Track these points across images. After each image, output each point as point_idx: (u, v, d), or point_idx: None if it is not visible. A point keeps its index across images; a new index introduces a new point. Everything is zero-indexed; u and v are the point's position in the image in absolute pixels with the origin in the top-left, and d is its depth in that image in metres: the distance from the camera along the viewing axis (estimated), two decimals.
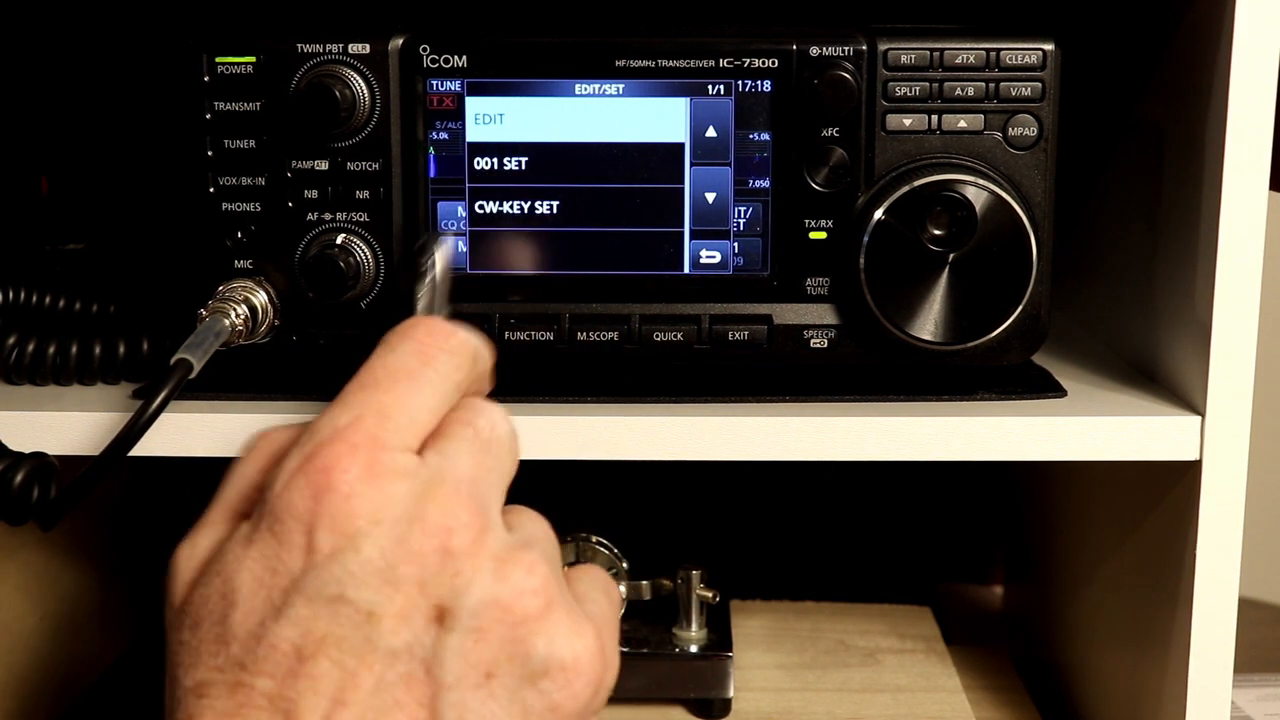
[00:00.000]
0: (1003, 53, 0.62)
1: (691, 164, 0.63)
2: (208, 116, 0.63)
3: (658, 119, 0.63)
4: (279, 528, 0.44)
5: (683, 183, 0.63)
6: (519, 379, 0.65)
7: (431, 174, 0.63)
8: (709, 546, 0.87)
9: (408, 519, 0.44)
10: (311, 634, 0.43)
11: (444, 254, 0.56)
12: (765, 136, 0.63)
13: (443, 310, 0.55)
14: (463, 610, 0.44)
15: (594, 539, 0.80)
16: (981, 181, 0.61)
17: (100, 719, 0.86)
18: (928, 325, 0.62)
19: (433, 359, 0.48)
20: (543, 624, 0.45)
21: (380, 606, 0.43)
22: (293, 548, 0.44)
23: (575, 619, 0.46)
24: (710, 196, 0.63)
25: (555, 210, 0.64)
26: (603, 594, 0.51)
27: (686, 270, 0.64)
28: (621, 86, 0.63)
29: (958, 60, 0.62)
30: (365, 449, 0.45)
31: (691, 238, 0.64)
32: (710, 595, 0.81)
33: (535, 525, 0.49)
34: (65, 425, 0.62)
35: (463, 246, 0.64)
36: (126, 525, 0.95)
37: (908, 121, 0.63)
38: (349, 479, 0.44)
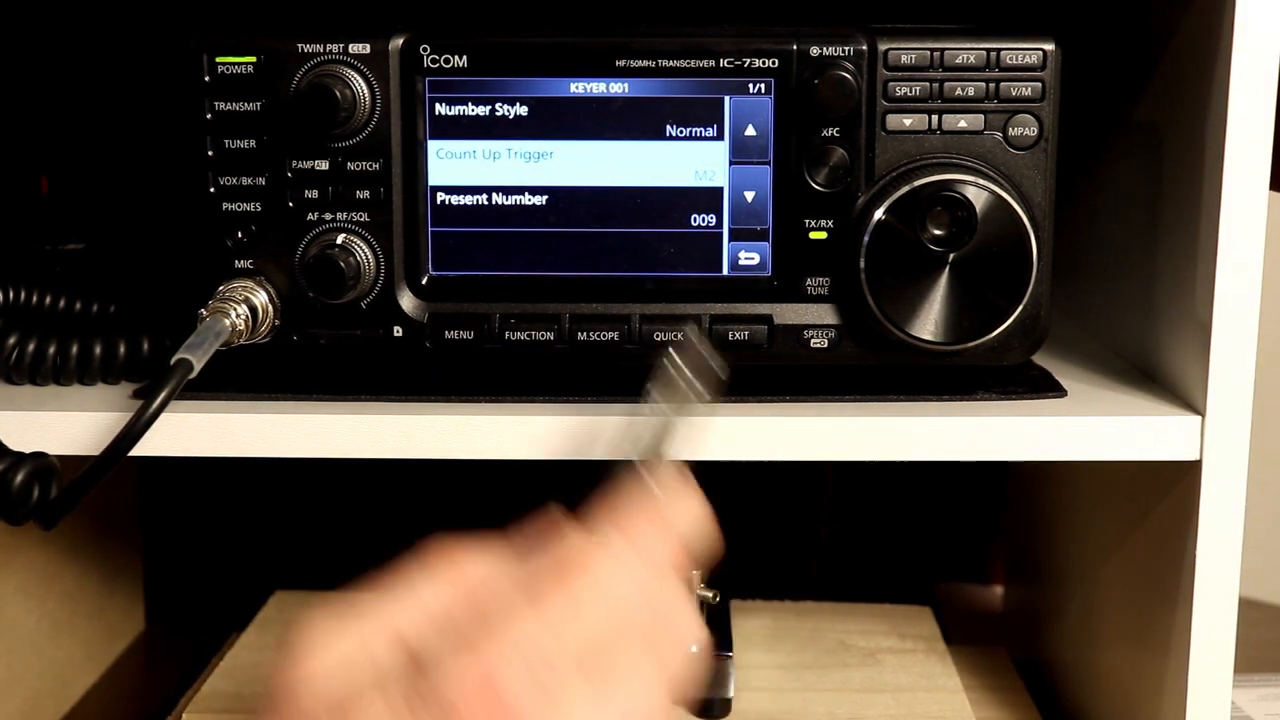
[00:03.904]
0: (1003, 53, 0.62)
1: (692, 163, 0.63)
2: (208, 116, 0.63)
3: (658, 119, 0.63)
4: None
5: (683, 183, 0.63)
6: (519, 379, 0.66)
7: (431, 174, 0.63)
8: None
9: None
10: None
11: (693, 363, 0.50)
12: (766, 136, 0.63)
13: (666, 449, 0.49)
14: None
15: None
16: (981, 181, 0.61)
17: (100, 719, 0.86)
18: (928, 325, 0.62)
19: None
20: None
21: None
22: None
23: None
24: (710, 197, 0.63)
25: (556, 210, 0.64)
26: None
27: (677, 271, 0.64)
28: (623, 86, 0.63)
29: (958, 60, 0.62)
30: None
31: (689, 239, 0.64)
32: (710, 595, 0.81)
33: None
34: (65, 425, 0.62)
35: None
36: (127, 525, 0.95)
37: (908, 121, 0.63)
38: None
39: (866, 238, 0.62)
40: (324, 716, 0.39)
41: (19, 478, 0.58)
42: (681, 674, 0.44)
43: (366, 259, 0.63)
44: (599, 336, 0.64)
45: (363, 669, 0.40)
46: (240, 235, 0.63)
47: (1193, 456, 0.63)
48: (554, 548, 0.43)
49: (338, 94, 0.61)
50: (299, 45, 0.62)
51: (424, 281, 0.64)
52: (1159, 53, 0.69)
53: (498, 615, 0.41)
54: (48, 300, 0.68)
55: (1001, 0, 0.74)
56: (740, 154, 0.63)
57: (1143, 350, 0.71)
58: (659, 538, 0.45)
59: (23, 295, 0.67)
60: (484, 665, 0.39)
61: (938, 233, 0.62)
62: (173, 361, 0.58)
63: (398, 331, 0.64)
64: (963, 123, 0.63)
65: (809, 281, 0.64)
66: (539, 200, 0.64)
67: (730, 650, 0.80)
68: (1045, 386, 0.67)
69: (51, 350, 0.66)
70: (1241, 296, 0.62)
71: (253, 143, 0.63)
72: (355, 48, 0.62)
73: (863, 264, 0.62)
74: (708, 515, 0.47)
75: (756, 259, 0.64)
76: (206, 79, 0.62)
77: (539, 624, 0.41)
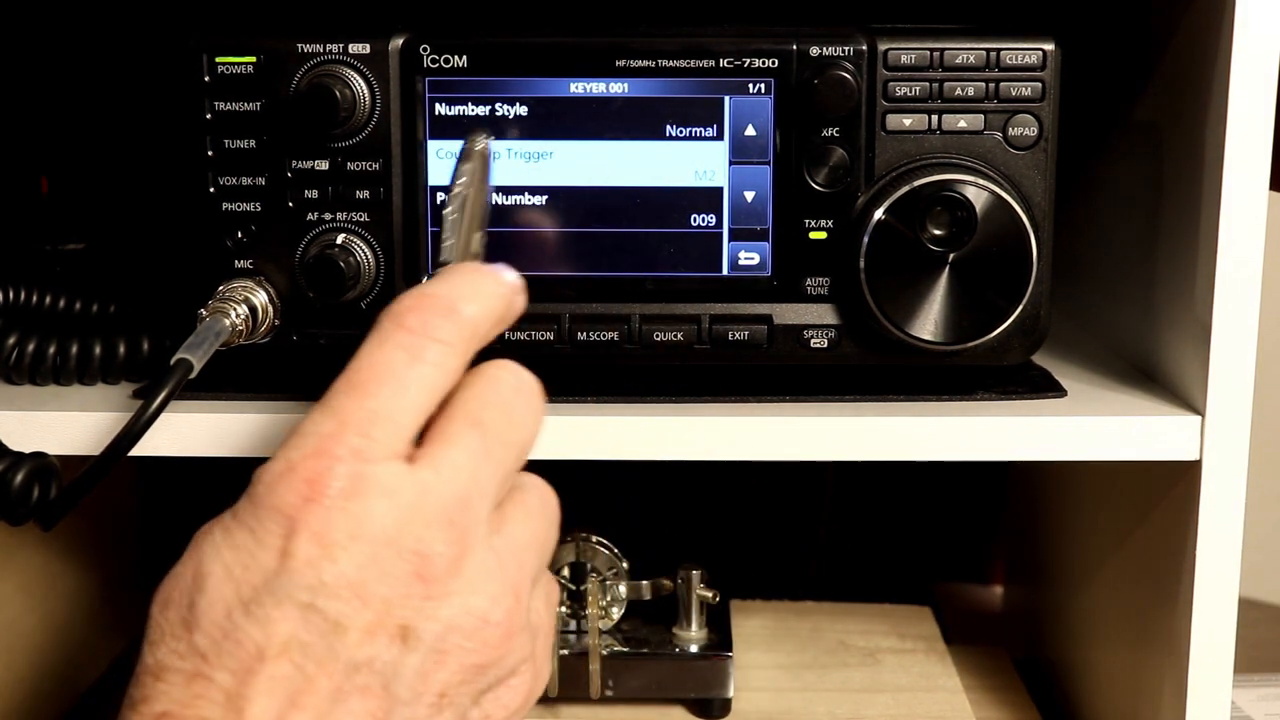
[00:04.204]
0: (1003, 53, 0.62)
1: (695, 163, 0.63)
2: (208, 116, 0.63)
3: (658, 119, 0.63)
4: (258, 527, 0.44)
5: (683, 183, 0.63)
6: None
7: (431, 174, 0.63)
8: (709, 546, 0.87)
9: (385, 540, 0.44)
10: (276, 635, 0.43)
11: (479, 166, 0.54)
12: (766, 136, 0.63)
13: (474, 236, 0.53)
14: (427, 634, 0.45)
15: (594, 539, 0.80)
16: (981, 181, 0.61)
17: (100, 719, 0.86)
18: (928, 325, 0.62)
19: (422, 353, 0.47)
20: (499, 651, 0.46)
21: (348, 619, 0.44)
22: (269, 549, 0.44)
23: (525, 639, 0.47)
24: (710, 197, 0.63)
25: (556, 210, 0.64)
26: (544, 602, 0.51)
27: (677, 271, 0.64)
28: (623, 86, 0.63)
29: (958, 60, 0.62)
30: (348, 462, 0.45)
31: (689, 239, 0.64)
32: (710, 595, 0.81)
33: (526, 525, 0.49)
34: (65, 425, 0.62)
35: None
36: (126, 525, 0.95)
37: (908, 121, 0.63)
38: (331, 493, 0.44)
39: (866, 238, 0.62)
40: (178, 566, 0.45)
41: (19, 478, 0.58)
42: (459, 367, 0.48)
43: (366, 259, 0.63)
44: (599, 336, 0.64)
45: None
46: (240, 235, 0.63)
47: (1193, 456, 0.63)
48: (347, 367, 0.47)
49: (338, 94, 0.61)
50: (299, 45, 0.62)
51: (424, 281, 0.64)
52: (1159, 53, 0.69)
53: (294, 436, 0.46)
54: (48, 300, 0.68)
55: (1001, 0, 0.74)
56: (740, 154, 0.63)
57: (1143, 350, 0.71)
58: (444, 320, 0.48)
59: (23, 295, 0.67)
60: (289, 469, 0.45)
61: (938, 233, 0.62)
62: (173, 361, 0.58)
63: None
64: (963, 123, 0.63)
65: (809, 281, 0.64)
66: (539, 200, 0.64)
67: (730, 650, 0.80)
68: (1045, 386, 0.67)
69: (51, 350, 0.66)
70: (1241, 296, 0.61)
71: (252, 143, 0.63)
72: (355, 48, 0.62)
73: (863, 264, 0.62)
74: (501, 296, 0.50)
75: (756, 259, 0.64)
76: (206, 79, 0.62)
77: (329, 416, 0.46)
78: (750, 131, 0.63)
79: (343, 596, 0.44)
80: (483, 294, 0.50)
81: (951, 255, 0.62)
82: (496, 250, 0.64)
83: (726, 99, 0.63)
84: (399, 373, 0.47)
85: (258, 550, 0.44)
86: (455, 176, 0.54)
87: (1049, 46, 0.62)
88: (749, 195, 0.63)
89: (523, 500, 0.50)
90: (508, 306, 0.51)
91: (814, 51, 0.62)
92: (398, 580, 0.44)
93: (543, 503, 0.51)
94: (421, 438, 0.47)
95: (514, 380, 0.50)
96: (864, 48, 0.62)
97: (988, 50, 0.62)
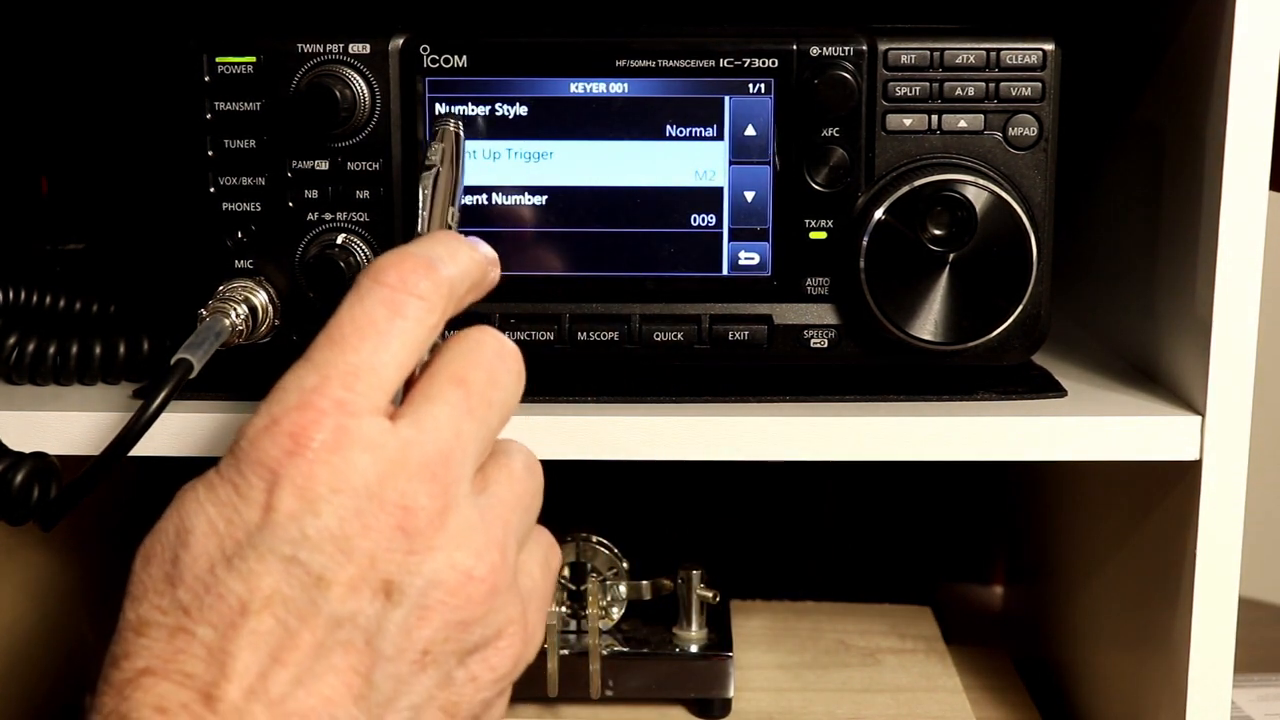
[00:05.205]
0: (1003, 53, 0.62)
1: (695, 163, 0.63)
2: (208, 116, 0.63)
3: (658, 119, 0.63)
4: (240, 481, 0.44)
5: (683, 183, 0.63)
6: None
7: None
8: (709, 546, 0.87)
9: (368, 493, 0.44)
10: (259, 589, 0.43)
11: (449, 145, 0.55)
12: (766, 136, 0.63)
13: (449, 210, 0.54)
14: (410, 588, 0.44)
15: (594, 539, 0.80)
16: (981, 181, 0.61)
17: None
18: (928, 325, 0.62)
19: (402, 308, 0.47)
20: (483, 609, 0.46)
21: (331, 572, 0.44)
22: (252, 503, 0.44)
23: (512, 599, 0.47)
24: (710, 197, 0.63)
25: (556, 210, 0.64)
26: (540, 566, 0.51)
27: (677, 271, 0.64)
28: (623, 86, 0.63)
29: (958, 60, 0.62)
30: (332, 415, 0.45)
31: (689, 239, 0.64)
32: (710, 595, 0.81)
33: (510, 487, 0.49)
34: (65, 425, 0.62)
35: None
36: (127, 526, 0.95)
37: (908, 121, 0.63)
38: (314, 446, 0.44)
39: (866, 238, 0.62)
40: (161, 522, 0.46)
41: (19, 478, 0.58)
42: (438, 324, 0.48)
43: (366, 259, 0.63)
44: (599, 336, 0.64)
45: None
46: (240, 235, 0.63)
47: (1193, 456, 0.63)
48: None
49: (338, 94, 0.61)
50: (299, 45, 0.62)
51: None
52: (1159, 53, 0.69)
53: (275, 391, 0.46)
54: (48, 300, 0.68)
55: (1001, 0, 0.74)
56: (740, 154, 0.63)
57: (1143, 350, 0.71)
58: (422, 278, 0.48)
59: (23, 295, 0.67)
60: (273, 422, 0.45)
61: (938, 233, 0.62)
62: (173, 361, 0.58)
63: None
64: (963, 123, 0.63)
65: (809, 281, 0.64)
66: (539, 200, 0.64)
67: (730, 650, 0.80)
68: (1045, 386, 0.67)
69: (51, 350, 0.66)
70: (1241, 296, 0.61)
71: (253, 143, 0.63)
72: (355, 48, 0.62)
73: (863, 264, 0.62)
74: (476, 262, 0.51)
75: (756, 259, 0.64)
76: (206, 79, 0.62)
77: (311, 370, 0.46)
78: (750, 131, 0.63)
79: (325, 550, 0.43)
80: (459, 257, 0.50)
81: (951, 255, 0.62)
82: (497, 250, 0.64)
83: (726, 99, 0.63)
84: (380, 327, 0.47)
85: (241, 504, 0.44)
86: (427, 154, 0.55)
87: (1049, 46, 0.62)
88: (749, 195, 0.63)
89: (506, 464, 0.50)
90: (483, 274, 0.52)
91: (814, 51, 0.62)
92: (381, 534, 0.44)
93: (527, 466, 0.51)
94: (403, 399, 0.48)
95: (495, 344, 0.50)
96: (864, 48, 0.62)
97: (988, 50, 0.62)
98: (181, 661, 0.42)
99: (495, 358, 0.49)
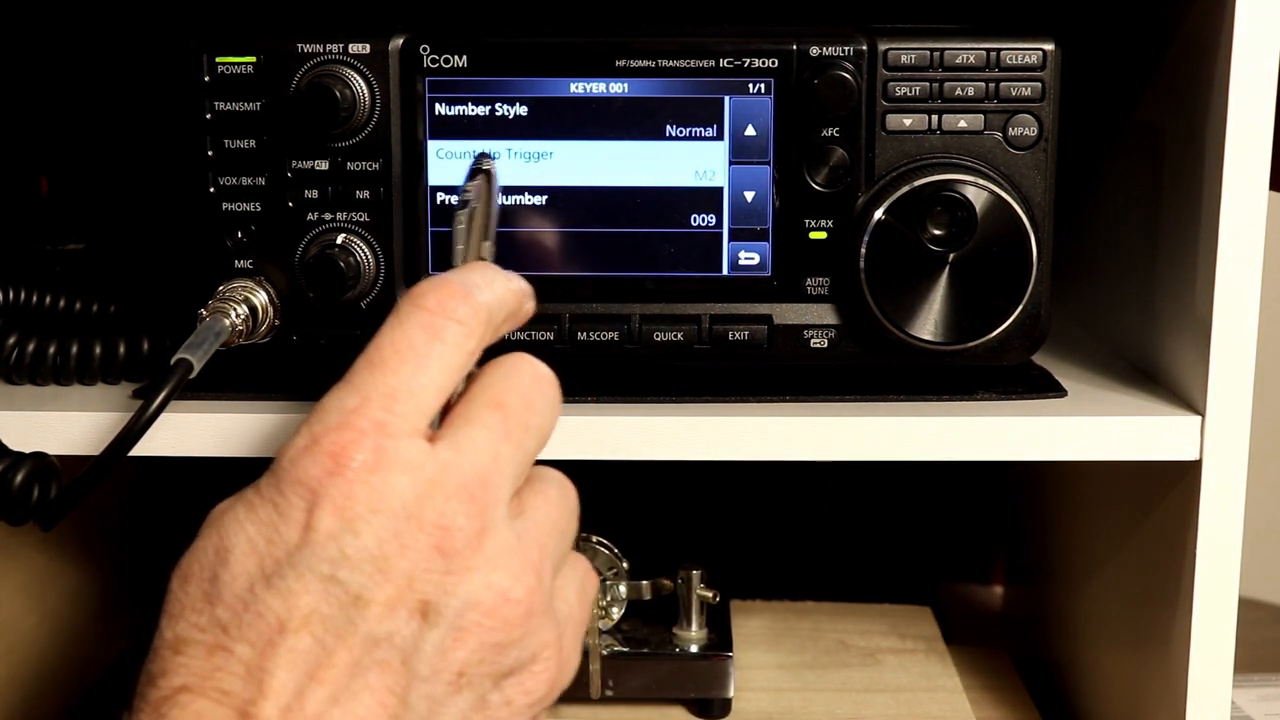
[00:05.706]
0: (1003, 53, 0.62)
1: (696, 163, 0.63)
2: (208, 116, 0.63)
3: (658, 119, 0.63)
4: (281, 501, 0.45)
5: (683, 183, 0.63)
6: None
7: (432, 174, 0.63)
8: (709, 546, 0.87)
9: (406, 513, 0.45)
10: (297, 608, 0.43)
11: (484, 182, 0.55)
12: (766, 136, 0.63)
13: (483, 244, 0.54)
14: (447, 609, 0.45)
15: (594, 539, 0.80)
16: (981, 181, 0.61)
17: (100, 719, 0.86)
18: (928, 325, 0.62)
19: (441, 332, 0.48)
20: (519, 631, 0.46)
21: (369, 592, 0.44)
22: (292, 522, 0.44)
23: (548, 623, 0.47)
24: (710, 197, 0.63)
25: (556, 210, 0.64)
26: (576, 593, 0.51)
27: (677, 271, 0.64)
28: (623, 86, 0.63)
29: (958, 60, 0.62)
30: (372, 436, 0.45)
31: (689, 239, 0.64)
32: (710, 595, 0.81)
33: (546, 511, 0.49)
34: (65, 425, 0.62)
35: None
36: (126, 525, 0.95)
37: (908, 121, 0.63)
38: (354, 466, 0.44)
39: (866, 238, 0.62)
40: (199, 540, 0.46)
41: (19, 478, 0.58)
42: (476, 349, 0.49)
43: (366, 259, 0.63)
44: (599, 336, 0.64)
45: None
46: (240, 235, 0.63)
47: (1193, 456, 0.63)
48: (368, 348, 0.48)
49: (338, 94, 0.61)
50: (299, 45, 0.62)
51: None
52: (1159, 53, 0.69)
53: (316, 413, 0.46)
54: (48, 300, 0.68)
55: (1001, 0, 0.74)
56: (740, 154, 0.63)
57: (1143, 350, 0.71)
58: (461, 303, 0.48)
59: (23, 295, 0.67)
60: (313, 442, 0.45)
61: (938, 233, 0.62)
62: (173, 361, 0.58)
63: None
64: (963, 123, 0.63)
65: (809, 281, 0.64)
66: (539, 200, 0.64)
67: (730, 650, 0.80)
68: (1045, 386, 0.67)
69: (51, 350, 0.66)
70: (1241, 296, 0.62)
71: (253, 143, 0.63)
72: (355, 48, 0.62)
73: (862, 264, 0.62)
74: (513, 292, 0.51)
75: (756, 259, 0.64)
76: (206, 79, 0.62)
77: (352, 392, 0.46)
78: (750, 131, 0.63)
79: (364, 569, 0.44)
80: (496, 286, 0.50)
81: (951, 255, 0.62)
82: (497, 250, 0.64)
83: (726, 99, 0.63)
84: (419, 350, 0.47)
85: (281, 524, 0.44)
86: (463, 190, 0.55)
87: (1049, 46, 0.62)
88: (749, 195, 0.63)
89: (542, 489, 0.50)
90: (519, 304, 0.52)
91: (814, 51, 0.62)
92: (419, 554, 0.44)
93: (562, 493, 0.51)
94: (441, 422, 0.48)
95: (532, 369, 0.50)
96: (864, 48, 0.62)
97: (988, 50, 0.62)
98: (219, 679, 0.43)
99: (532, 383, 0.50)
